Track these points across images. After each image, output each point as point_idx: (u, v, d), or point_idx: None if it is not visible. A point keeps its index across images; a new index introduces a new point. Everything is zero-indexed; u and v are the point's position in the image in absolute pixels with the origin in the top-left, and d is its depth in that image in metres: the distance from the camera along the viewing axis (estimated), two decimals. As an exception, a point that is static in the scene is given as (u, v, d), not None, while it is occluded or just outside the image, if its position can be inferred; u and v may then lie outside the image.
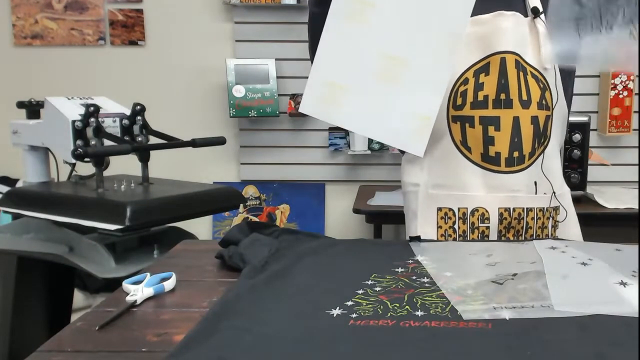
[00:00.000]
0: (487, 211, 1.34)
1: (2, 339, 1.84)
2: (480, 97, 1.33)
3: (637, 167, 2.76)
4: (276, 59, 2.90)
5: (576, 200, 2.53)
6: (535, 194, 1.34)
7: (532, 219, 1.35)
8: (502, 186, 1.33)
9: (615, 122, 2.78)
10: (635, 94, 2.78)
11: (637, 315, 0.82)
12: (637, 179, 2.70)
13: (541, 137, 1.33)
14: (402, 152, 1.49)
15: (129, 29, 2.98)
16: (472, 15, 1.31)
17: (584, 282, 0.96)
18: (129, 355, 0.77)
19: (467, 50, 1.35)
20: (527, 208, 1.34)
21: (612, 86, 2.75)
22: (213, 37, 2.97)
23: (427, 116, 1.24)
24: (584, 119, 2.52)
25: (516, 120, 1.32)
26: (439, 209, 1.38)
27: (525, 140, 1.32)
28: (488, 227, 1.34)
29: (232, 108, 2.88)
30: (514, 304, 0.86)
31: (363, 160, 2.98)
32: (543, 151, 1.34)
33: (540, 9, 1.33)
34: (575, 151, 2.48)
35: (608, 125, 2.78)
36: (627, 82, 2.75)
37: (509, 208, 1.33)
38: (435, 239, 1.37)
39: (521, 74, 1.32)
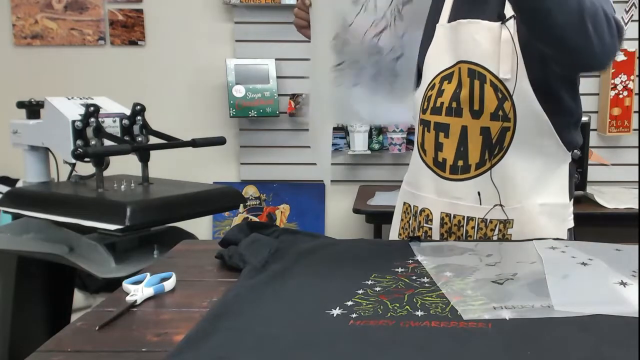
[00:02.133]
0: (431, 213, 1.38)
1: (2, 339, 1.84)
2: (438, 104, 1.36)
3: (637, 167, 2.76)
4: (276, 59, 2.90)
5: (576, 201, 2.54)
6: (480, 204, 1.31)
7: (473, 228, 1.33)
8: (446, 192, 1.34)
9: (615, 122, 2.78)
10: (636, 94, 2.78)
11: (637, 315, 0.82)
12: (637, 179, 2.70)
13: (493, 148, 1.29)
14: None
15: (129, 29, 2.98)
16: (448, 21, 1.36)
17: (584, 282, 0.96)
18: (129, 355, 0.77)
19: (441, 57, 1.37)
20: (467, 217, 1.33)
21: (612, 86, 2.75)
22: (213, 37, 2.97)
23: None
24: (583, 118, 2.49)
25: (464, 129, 1.31)
26: (404, 203, 1.47)
27: (472, 150, 1.30)
28: (431, 229, 1.38)
29: (232, 108, 2.88)
30: (514, 304, 0.86)
31: (363, 160, 2.98)
32: (497, 162, 1.29)
33: (508, 15, 1.25)
34: (575, 151, 2.46)
35: (608, 125, 2.78)
36: (627, 82, 2.75)
37: (450, 214, 1.35)
38: (397, 231, 1.48)
39: (477, 82, 1.29)
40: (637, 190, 2.55)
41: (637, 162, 2.78)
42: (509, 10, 1.25)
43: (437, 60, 1.37)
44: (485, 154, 1.30)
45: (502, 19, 1.27)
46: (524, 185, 1.31)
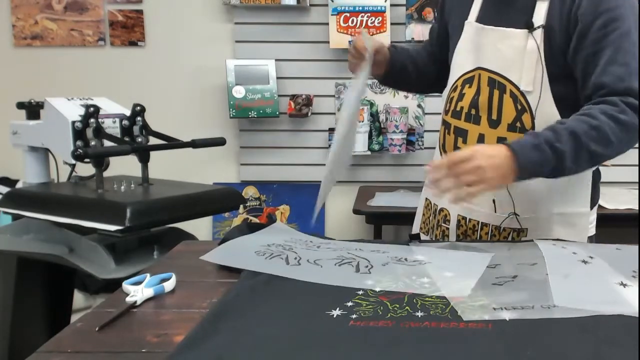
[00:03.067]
0: (449, 213, 1.38)
1: (2, 339, 1.83)
2: (458, 108, 1.36)
3: (637, 167, 2.75)
4: (276, 60, 2.90)
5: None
6: (495, 212, 1.31)
7: (487, 234, 1.33)
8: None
9: (615, 122, 2.77)
10: (635, 94, 2.78)
11: (637, 315, 0.82)
12: (637, 179, 2.70)
13: None
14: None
15: (129, 30, 2.98)
16: (481, 22, 1.32)
17: (584, 281, 0.96)
18: (129, 356, 0.77)
19: (465, 58, 1.35)
20: (482, 222, 1.33)
21: (612, 86, 2.75)
22: (213, 38, 2.96)
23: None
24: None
25: (481, 137, 1.30)
26: (426, 199, 1.49)
27: None
28: (448, 229, 1.38)
29: (232, 109, 2.88)
30: (514, 305, 0.86)
31: (363, 161, 2.98)
32: None
33: (536, 24, 1.23)
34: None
35: (608, 126, 2.78)
36: (627, 83, 2.75)
37: (466, 217, 1.35)
38: (419, 225, 1.50)
39: (496, 92, 1.27)
40: (637, 191, 2.55)
41: (637, 162, 2.78)
42: (537, 18, 1.23)
43: (462, 60, 1.36)
44: None
45: (530, 27, 1.23)
46: (540, 196, 1.28)
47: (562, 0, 1.21)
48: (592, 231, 1.36)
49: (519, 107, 1.25)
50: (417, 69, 1.51)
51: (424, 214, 1.48)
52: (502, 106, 1.27)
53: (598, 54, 1.17)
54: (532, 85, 1.23)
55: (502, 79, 1.27)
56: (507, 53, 1.26)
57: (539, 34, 1.22)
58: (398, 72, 1.48)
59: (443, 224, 1.39)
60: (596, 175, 1.35)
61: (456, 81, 1.37)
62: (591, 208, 1.33)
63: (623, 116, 1.12)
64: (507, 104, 1.26)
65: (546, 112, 1.22)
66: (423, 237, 1.46)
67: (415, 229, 1.52)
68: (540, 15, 1.23)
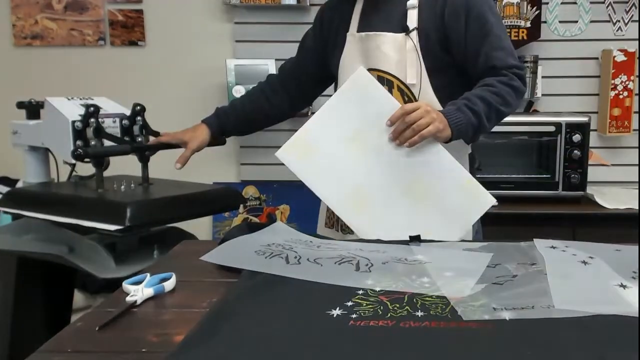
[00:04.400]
0: None
1: (2, 339, 1.83)
2: None
3: (637, 167, 2.75)
4: (276, 60, 2.90)
5: (576, 201, 2.55)
6: None
7: None
8: None
9: (615, 122, 2.78)
10: (636, 94, 2.78)
11: (637, 315, 0.82)
12: (637, 179, 2.70)
13: None
14: None
15: (129, 30, 2.98)
16: (362, 31, 1.53)
17: (584, 282, 0.96)
18: (129, 356, 0.77)
19: (355, 64, 1.50)
20: None
21: (613, 86, 2.75)
22: (213, 38, 2.96)
23: (469, 179, 1.39)
24: (584, 119, 2.52)
25: None
26: None
27: None
28: None
29: (232, 108, 2.88)
30: (514, 305, 0.86)
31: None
32: None
33: (411, 27, 1.46)
34: (575, 151, 2.48)
35: (608, 126, 2.78)
36: (627, 83, 2.75)
37: None
38: (324, 221, 1.64)
39: (385, 88, 1.44)
40: (637, 191, 2.55)
41: (637, 162, 2.78)
42: (410, 23, 1.46)
43: (351, 66, 1.51)
44: None
45: (406, 30, 1.46)
46: None
47: (431, 7, 1.47)
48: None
49: (406, 98, 1.48)
50: (264, 107, 1.75)
51: (328, 209, 1.61)
52: None
53: (482, 43, 1.46)
54: (415, 78, 1.46)
55: (390, 76, 1.49)
56: (390, 54, 1.48)
57: (414, 35, 1.46)
58: (238, 129, 1.80)
59: None
60: (471, 160, 1.60)
61: None
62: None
63: (514, 82, 1.45)
64: (396, 96, 1.46)
65: (429, 100, 1.44)
66: (328, 231, 1.61)
67: (320, 228, 1.65)
68: (412, 20, 1.47)
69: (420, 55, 1.46)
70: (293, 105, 1.79)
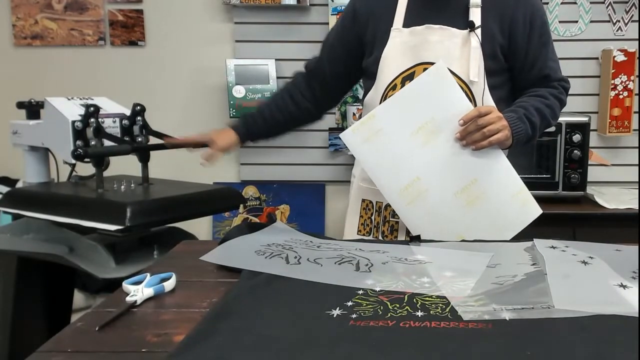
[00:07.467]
0: None
1: (2, 339, 1.83)
2: None
3: (637, 167, 2.76)
4: (276, 60, 2.90)
5: (576, 201, 2.55)
6: None
7: None
8: None
9: (615, 122, 2.78)
10: (636, 94, 2.78)
11: (637, 315, 0.82)
12: (637, 179, 2.70)
13: None
14: None
15: (129, 29, 2.98)
16: (408, 26, 1.47)
17: (584, 282, 0.96)
18: (129, 356, 0.77)
19: (400, 59, 1.46)
20: None
21: (612, 86, 2.75)
22: (213, 38, 2.96)
23: (522, 187, 1.38)
24: (584, 119, 2.52)
25: None
26: (363, 200, 1.56)
27: None
28: (397, 222, 1.48)
29: (232, 108, 2.88)
30: (514, 305, 0.86)
31: (363, 161, 2.98)
32: None
33: (477, 24, 1.43)
34: (575, 151, 2.48)
35: (608, 126, 2.78)
36: (627, 83, 2.75)
37: None
38: (357, 227, 1.58)
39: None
40: (637, 191, 2.55)
41: (637, 162, 2.78)
42: (475, 20, 1.43)
43: (396, 62, 1.47)
44: None
45: (471, 27, 1.43)
46: None
47: (496, 8, 1.45)
48: None
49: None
50: (290, 107, 1.65)
51: (361, 216, 1.56)
52: None
53: (540, 52, 1.49)
54: (477, 76, 1.42)
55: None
56: (452, 49, 1.44)
57: (479, 32, 1.43)
58: (266, 132, 1.69)
59: (392, 219, 1.49)
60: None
61: (394, 80, 1.47)
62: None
63: (562, 96, 1.51)
64: None
65: (486, 101, 1.43)
66: (360, 238, 1.53)
67: (352, 233, 1.58)
68: (476, 18, 1.44)
69: (482, 54, 1.44)
70: (318, 105, 1.69)
